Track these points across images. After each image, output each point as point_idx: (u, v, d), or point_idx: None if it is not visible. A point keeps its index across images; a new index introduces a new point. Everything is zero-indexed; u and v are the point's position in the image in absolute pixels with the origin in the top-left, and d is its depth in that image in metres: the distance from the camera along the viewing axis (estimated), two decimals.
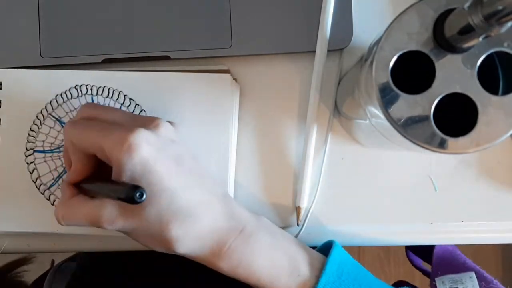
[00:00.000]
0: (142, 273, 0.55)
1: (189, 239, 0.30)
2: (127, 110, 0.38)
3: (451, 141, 0.26)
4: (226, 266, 0.31)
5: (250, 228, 0.32)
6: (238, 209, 0.33)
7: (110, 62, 0.39)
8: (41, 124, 0.38)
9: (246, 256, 0.31)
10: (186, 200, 0.30)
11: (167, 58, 0.39)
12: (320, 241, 0.42)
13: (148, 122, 0.31)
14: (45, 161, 0.38)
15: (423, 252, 0.46)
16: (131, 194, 0.26)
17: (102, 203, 0.30)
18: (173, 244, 0.30)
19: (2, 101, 0.38)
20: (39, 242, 0.41)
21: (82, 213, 0.31)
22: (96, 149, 0.30)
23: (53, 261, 0.66)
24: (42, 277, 0.61)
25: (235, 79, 0.39)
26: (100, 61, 0.39)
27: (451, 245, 0.42)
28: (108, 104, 0.38)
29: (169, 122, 0.32)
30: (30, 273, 0.41)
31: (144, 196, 0.26)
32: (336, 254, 0.33)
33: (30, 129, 0.38)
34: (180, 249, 0.30)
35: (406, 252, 0.49)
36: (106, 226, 0.30)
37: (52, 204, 0.38)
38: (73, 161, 0.32)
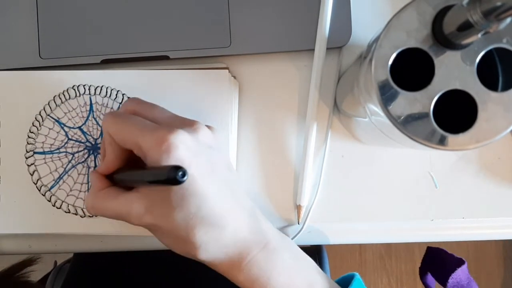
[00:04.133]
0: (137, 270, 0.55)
1: (212, 246, 0.30)
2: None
3: (451, 138, 0.26)
4: (244, 278, 0.31)
5: (274, 245, 0.32)
6: (265, 224, 0.33)
7: (109, 63, 0.39)
8: (40, 126, 0.38)
9: (266, 272, 0.31)
10: (214, 207, 0.29)
11: (166, 58, 0.39)
12: (321, 239, 0.42)
13: (188, 125, 0.31)
14: (45, 163, 0.38)
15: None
16: (173, 174, 0.25)
17: (132, 199, 0.30)
18: (196, 250, 0.30)
19: (0, 103, 0.38)
20: (40, 243, 0.41)
21: (111, 207, 0.31)
22: (133, 145, 0.30)
23: (55, 262, 0.66)
24: (45, 278, 0.61)
25: (234, 77, 0.39)
26: (99, 61, 0.39)
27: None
28: (107, 104, 0.38)
29: (207, 126, 0.32)
30: (36, 273, 0.41)
31: (186, 176, 0.25)
32: (357, 287, 0.33)
33: (30, 130, 0.38)
34: (202, 255, 0.30)
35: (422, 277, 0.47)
36: (134, 221, 0.30)
37: (53, 205, 0.38)
38: (108, 152, 0.32)
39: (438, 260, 0.42)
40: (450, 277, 0.37)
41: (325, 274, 0.34)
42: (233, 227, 0.30)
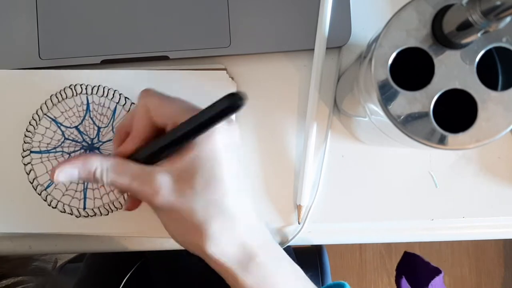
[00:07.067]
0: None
1: (224, 240, 0.29)
2: (123, 109, 0.38)
3: (451, 137, 0.26)
4: (250, 279, 0.30)
5: (276, 252, 0.32)
6: (267, 231, 0.33)
7: (109, 63, 0.39)
8: (37, 125, 0.38)
9: (273, 275, 0.30)
10: (235, 202, 0.30)
11: (166, 58, 0.39)
12: (321, 239, 0.42)
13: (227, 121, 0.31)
14: (41, 162, 0.38)
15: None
16: (234, 98, 0.25)
17: (156, 170, 0.29)
18: (206, 241, 0.29)
19: None
20: (40, 243, 0.41)
21: (132, 171, 0.29)
22: (171, 122, 0.29)
23: (56, 262, 0.66)
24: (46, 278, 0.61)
25: (232, 77, 0.39)
26: (99, 62, 0.39)
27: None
28: (104, 103, 0.38)
29: None
30: None
31: (243, 100, 0.25)
32: None
33: (26, 129, 0.38)
34: (212, 248, 0.29)
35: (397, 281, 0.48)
36: (153, 195, 0.29)
37: (49, 205, 0.38)
38: (137, 128, 0.31)
39: (414, 266, 0.43)
40: (430, 284, 0.38)
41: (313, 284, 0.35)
42: (246, 226, 0.30)
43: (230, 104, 0.26)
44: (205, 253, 0.30)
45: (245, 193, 0.31)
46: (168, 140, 0.29)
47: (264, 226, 0.33)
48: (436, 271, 0.39)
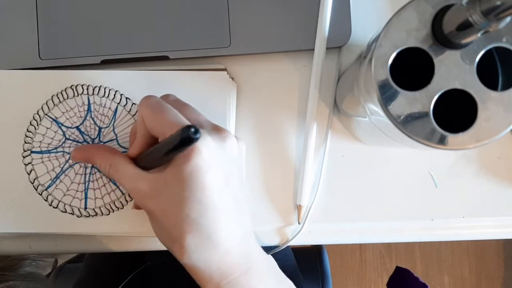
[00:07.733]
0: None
1: (197, 256, 0.30)
2: (124, 109, 0.38)
3: (451, 137, 0.26)
4: None
5: (257, 269, 0.32)
6: (254, 247, 0.33)
7: (109, 63, 0.39)
8: (37, 125, 0.38)
9: None
10: (213, 222, 0.29)
11: (166, 58, 0.39)
12: (321, 239, 0.42)
13: (217, 131, 0.31)
14: (42, 162, 0.38)
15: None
16: (186, 133, 0.25)
17: (142, 176, 0.31)
18: (181, 252, 0.30)
19: None
20: (40, 243, 0.41)
21: (123, 172, 0.32)
22: (160, 135, 0.30)
23: (56, 262, 0.66)
24: (46, 277, 0.61)
25: (232, 78, 0.39)
26: (99, 62, 0.39)
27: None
28: (105, 104, 0.38)
29: (235, 137, 0.32)
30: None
31: (199, 134, 0.26)
32: None
33: (27, 130, 0.38)
34: (185, 259, 0.30)
35: None
36: (135, 198, 0.31)
37: (50, 205, 0.38)
38: (138, 135, 0.32)
39: (403, 281, 0.43)
40: None
41: None
42: (225, 248, 0.30)
43: (181, 139, 0.26)
44: (180, 261, 0.31)
45: (232, 211, 0.30)
46: (151, 152, 0.31)
47: (250, 240, 0.32)
48: (422, 287, 0.40)
